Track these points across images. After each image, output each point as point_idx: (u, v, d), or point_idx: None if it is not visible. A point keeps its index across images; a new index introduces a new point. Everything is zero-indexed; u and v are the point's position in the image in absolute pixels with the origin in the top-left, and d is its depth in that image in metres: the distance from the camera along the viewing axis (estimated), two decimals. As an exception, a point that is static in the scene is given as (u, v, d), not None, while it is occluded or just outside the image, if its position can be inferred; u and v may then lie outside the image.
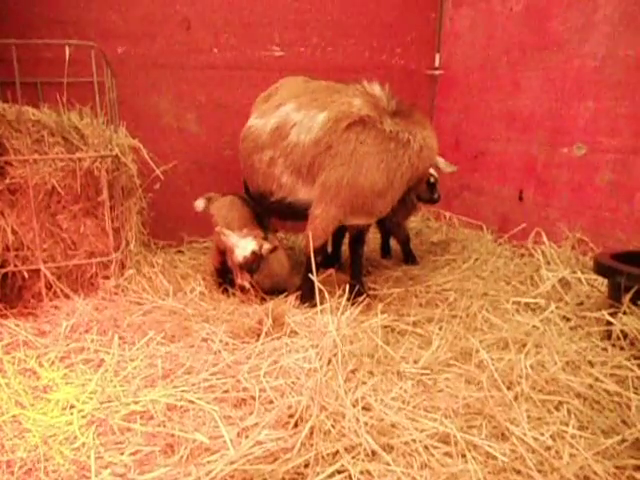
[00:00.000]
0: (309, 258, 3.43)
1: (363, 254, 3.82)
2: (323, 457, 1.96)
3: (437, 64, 5.53)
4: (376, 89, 3.41)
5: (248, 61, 4.96)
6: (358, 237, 3.75)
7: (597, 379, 2.44)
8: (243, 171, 4.07)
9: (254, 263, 3.38)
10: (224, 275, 3.85)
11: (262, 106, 3.91)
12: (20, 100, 3.27)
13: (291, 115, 3.54)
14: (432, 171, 3.92)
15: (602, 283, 3.26)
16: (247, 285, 3.37)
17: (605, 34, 3.69)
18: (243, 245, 3.39)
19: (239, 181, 4.36)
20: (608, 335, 2.77)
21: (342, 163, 3.31)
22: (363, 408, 2.26)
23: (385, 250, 4.80)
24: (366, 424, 2.13)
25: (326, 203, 3.39)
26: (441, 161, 3.79)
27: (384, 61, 5.34)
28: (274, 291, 3.67)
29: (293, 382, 2.44)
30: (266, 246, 3.41)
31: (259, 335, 2.91)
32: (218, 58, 4.90)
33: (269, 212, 3.95)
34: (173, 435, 2.12)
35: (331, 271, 3.87)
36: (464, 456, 2.02)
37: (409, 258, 4.50)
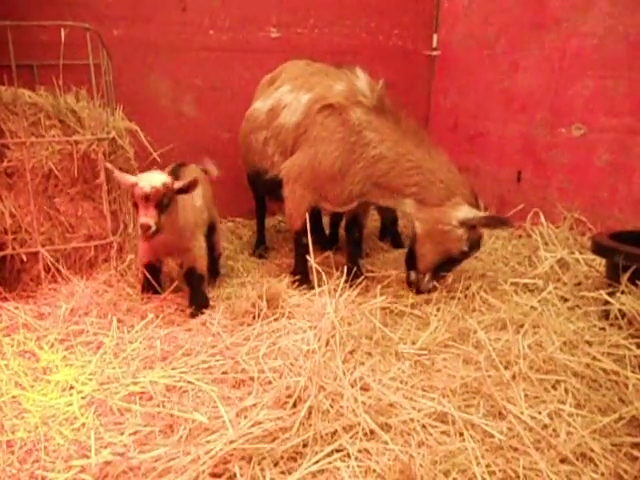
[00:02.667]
0: (295, 241, 3.60)
1: (360, 238, 3.82)
2: (321, 436, 1.97)
3: (435, 45, 5.49)
4: (361, 79, 3.31)
5: (244, 43, 4.92)
6: (353, 221, 3.74)
7: (594, 358, 2.45)
8: (241, 150, 4.16)
9: (165, 197, 2.75)
10: (154, 277, 3.22)
11: (267, 90, 3.94)
12: (16, 83, 3.25)
13: (284, 97, 3.62)
14: None
15: (600, 263, 3.27)
16: (153, 225, 2.70)
17: (604, 12, 3.66)
18: (148, 176, 2.79)
19: (236, 164, 4.36)
20: (606, 315, 2.78)
21: (309, 145, 3.36)
22: (361, 388, 2.27)
23: (384, 234, 4.77)
24: (364, 404, 2.14)
25: (291, 184, 3.47)
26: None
27: (381, 42, 5.30)
28: (171, 254, 3.26)
29: (291, 363, 2.45)
30: (184, 182, 2.88)
31: (257, 317, 2.91)
32: (214, 40, 4.86)
33: (267, 191, 4.00)
34: (172, 415, 2.13)
35: (328, 253, 3.89)
36: (462, 434, 2.03)
37: (395, 239, 4.53)
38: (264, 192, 4.18)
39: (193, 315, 3.06)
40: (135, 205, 2.78)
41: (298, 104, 3.47)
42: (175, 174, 3.11)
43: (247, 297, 3.10)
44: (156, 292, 3.25)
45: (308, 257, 2.84)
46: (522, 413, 2.12)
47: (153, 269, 3.22)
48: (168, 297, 3.22)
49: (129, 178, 2.81)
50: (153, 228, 2.70)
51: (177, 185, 2.85)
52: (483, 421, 2.08)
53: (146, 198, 2.70)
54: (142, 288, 3.27)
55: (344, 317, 2.74)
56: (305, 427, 2.01)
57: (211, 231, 3.58)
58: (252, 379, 2.38)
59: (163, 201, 2.75)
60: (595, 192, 3.81)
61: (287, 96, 3.59)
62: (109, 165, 3.02)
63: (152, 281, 3.20)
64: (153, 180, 2.74)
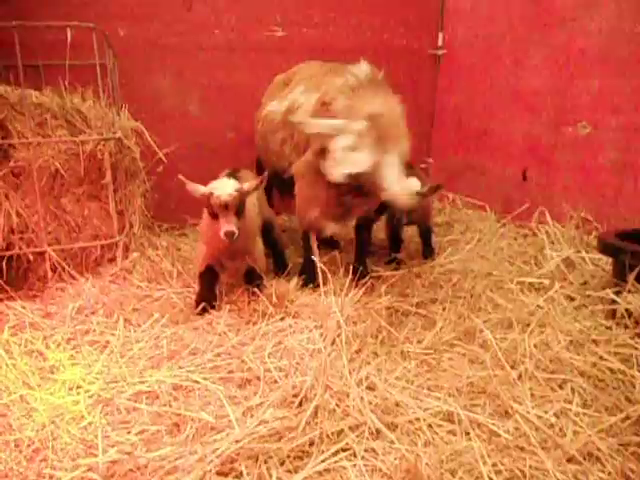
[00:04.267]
0: (303, 239, 3.58)
1: (368, 240, 3.82)
2: (328, 436, 1.98)
3: (440, 43, 5.48)
4: (362, 68, 3.30)
5: (250, 42, 4.92)
6: (363, 222, 3.74)
7: (601, 357, 2.45)
8: (259, 149, 4.21)
9: (241, 203, 2.89)
10: (210, 285, 3.18)
11: (282, 91, 3.96)
12: (23, 83, 3.26)
13: (298, 98, 3.64)
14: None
15: (606, 262, 3.26)
16: (236, 230, 2.80)
17: (610, 10, 3.65)
18: (221, 184, 2.90)
19: (241, 163, 4.34)
20: (612, 314, 2.77)
21: (313, 142, 3.36)
22: (367, 387, 2.27)
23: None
24: (370, 403, 2.15)
25: (300, 181, 3.50)
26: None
27: (386, 41, 5.29)
28: (234, 257, 3.19)
29: (297, 362, 2.46)
30: (248, 184, 2.96)
31: (263, 316, 2.92)
32: (220, 39, 4.86)
33: (286, 190, 4.01)
34: (179, 414, 2.14)
35: (335, 253, 3.89)
36: (468, 434, 2.03)
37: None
38: (283, 191, 4.20)
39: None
40: (212, 214, 2.89)
41: (309, 104, 3.49)
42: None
43: (253, 297, 3.11)
44: (211, 303, 3.12)
45: (313, 256, 2.84)
46: (528, 412, 2.12)
47: (211, 275, 3.16)
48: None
49: (201, 189, 2.88)
50: (236, 234, 2.81)
51: (248, 187, 2.93)
52: (489, 420, 2.08)
53: (225, 206, 2.81)
54: (197, 298, 3.15)
55: (350, 316, 2.75)
56: (311, 426, 2.02)
57: (269, 229, 3.69)
58: (258, 378, 2.38)
59: (240, 207, 2.88)
60: (601, 191, 3.80)
61: (301, 97, 3.62)
62: (182, 177, 2.96)
63: (210, 290, 3.15)
64: (228, 188, 2.85)
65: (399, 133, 3.04)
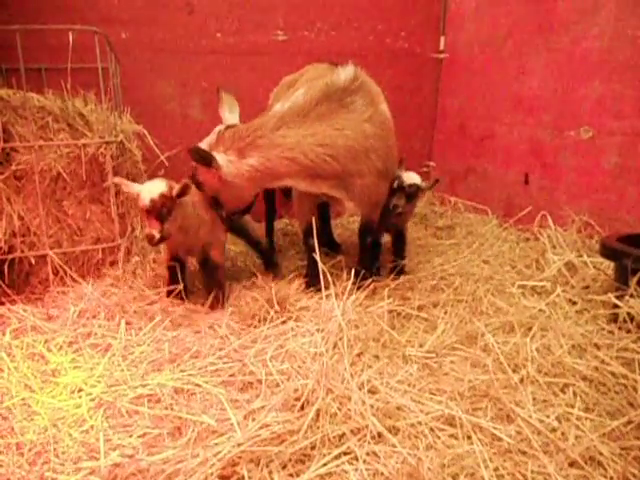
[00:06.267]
0: (303, 243, 3.66)
1: (370, 244, 3.81)
2: (329, 439, 1.97)
3: (442, 47, 5.49)
4: (343, 72, 3.33)
5: (252, 46, 4.93)
6: (365, 226, 3.73)
7: (603, 362, 2.44)
8: None
9: (163, 207, 2.86)
10: (175, 274, 3.26)
11: (286, 93, 3.95)
12: (25, 86, 3.26)
13: (298, 99, 3.59)
14: None
15: (608, 266, 3.25)
16: (157, 235, 2.84)
17: (613, 15, 3.65)
18: (149, 187, 2.89)
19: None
20: (614, 318, 2.77)
21: None
22: (369, 391, 2.27)
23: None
24: (372, 407, 2.14)
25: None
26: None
27: (388, 45, 5.30)
28: (191, 253, 3.35)
29: (299, 366, 2.45)
30: (177, 187, 2.95)
31: (264, 320, 2.92)
32: (221, 43, 4.87)
33: (289, 192, 4.01)
34: (180, 418, 2.14)
35: (341, 258, 3.89)
36: (470, 438, 2.03)
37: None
38: (287, 194, 4.20)
39: (212, 306, 3.20)
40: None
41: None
42: None
43: (254, 299, 3.11)
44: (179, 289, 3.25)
45: (316, 258, 2.83)
46: (530, 417, 2.11)
47: (175, 265, 3.26)
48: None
49: (134, 188, 2.96)
50: (157, 237, 2.86)
51: (176, 191, 2.92)
52: (491, 424, 2.08)
53: (147, 211, 2.87)
54: (166, 286, 3.29)
55: (352, 320, 2.74)
56: (313, 430, 2.01)
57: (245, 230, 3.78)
58: (260, 382, 2.38)
59: (162, 211, 2.87)
60: (603, 195, 3.80)
61: (301, 99, 3.60)
62: (117, 179, 3.09)
63: (176, 277, 3.24)
64: (151, 192, 2.86)
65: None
